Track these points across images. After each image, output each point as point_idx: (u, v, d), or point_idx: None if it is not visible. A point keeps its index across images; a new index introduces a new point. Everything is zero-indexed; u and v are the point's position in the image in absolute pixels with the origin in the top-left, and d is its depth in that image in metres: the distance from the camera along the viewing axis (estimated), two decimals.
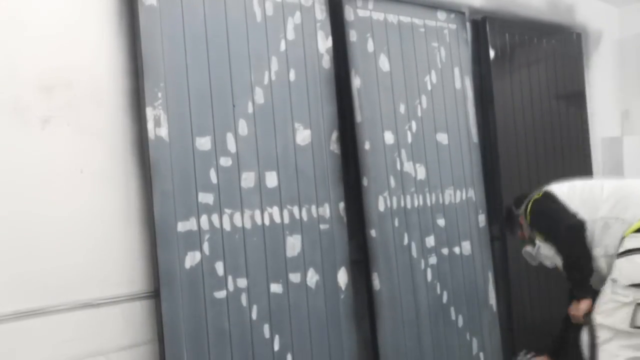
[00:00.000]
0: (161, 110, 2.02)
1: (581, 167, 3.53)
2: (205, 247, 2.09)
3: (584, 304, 2.19)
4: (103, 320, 1.96)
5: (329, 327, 2.37)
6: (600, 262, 2.19)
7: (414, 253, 2.65)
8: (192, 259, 2.05)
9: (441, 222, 2.78)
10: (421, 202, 2.71)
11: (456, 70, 2.92)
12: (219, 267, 2.11)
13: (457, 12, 2.97)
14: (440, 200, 2.78)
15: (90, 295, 1.94)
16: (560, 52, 3.51)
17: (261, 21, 2.29)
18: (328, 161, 2.43)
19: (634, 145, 3.84)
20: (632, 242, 2.08)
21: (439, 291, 2.72)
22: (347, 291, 2.43)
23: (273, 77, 2.30)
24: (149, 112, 1.99)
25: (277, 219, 2.27)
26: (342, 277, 2.43)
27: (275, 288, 2.25)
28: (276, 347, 2.23)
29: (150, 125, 1.99)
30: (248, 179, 2.20)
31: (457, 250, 2.82)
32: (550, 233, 2.29)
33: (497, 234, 3.05)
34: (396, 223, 2.60)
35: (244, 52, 2.23)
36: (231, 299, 2.13)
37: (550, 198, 2.30)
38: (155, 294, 2.03)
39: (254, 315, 2.18)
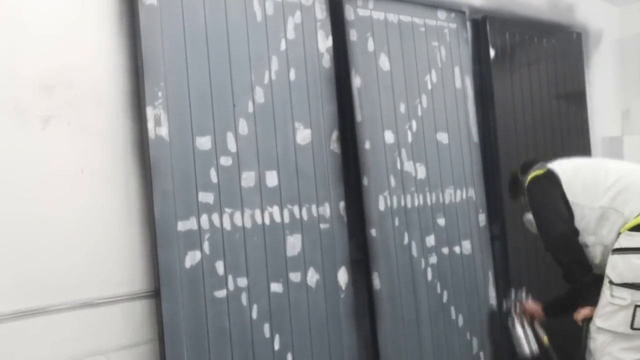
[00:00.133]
0: (161, 109, 2.02)
1: None
2: (206, 246, 2.09)
3: (584, 310, 2.18)
4: (103, 320, 1.97)
5: (329, 327, 2.37)
6: (595, 250, 2.16)
7: (414, 252, 2.65)
8: (192, 258, 2.05)
9: (441, 221, 2.78)
10: (421, 202, 2.71)
11: (456, 70, 2.92)
12: (219, 266, 2.11)
13: (457, 11, 2.97)
14: (441, 200, 2.78)
15: (90, 295, 1.94)
16: (560, 51, 3.50)
17: (261, 21, 2.29)
18: (328, 160, 2.43)
19: (634, 144, 3.83)
20: (627, 241, 2.05)
21: (439, 290, 2.73)
22: (347, 290, 2.44)
23: (273, 77, 2.30)
24: (149, 112, 1.99)
25: (278, 219, 2.27)
26: (343, 276, 2.43)
27: (276, 287, 2.25)
28: (276, 347, 2.23)
29: (150, 124, 1.99)
30: (248, 179, 2.20)
31: (457, 249, 2.82)
32: (540, 230, 2.27)
33: (497, 234, 3.05)
34: (396, 222, 2.60)
35: (244, 52, 2.23)
36: (231, 299, 2.13)
37: (551, 181, 2.24)
38: (155, 294, 2.03)
39: (254, 315, 2.18)
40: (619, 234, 2.09)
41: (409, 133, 2.69)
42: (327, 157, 2.43)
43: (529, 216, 2.36)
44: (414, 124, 2.72)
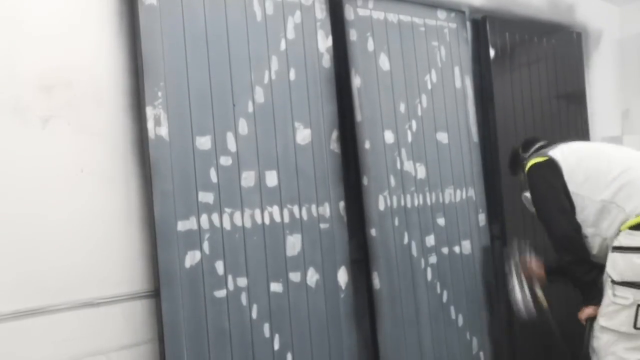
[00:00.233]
0: (161, 109, 2.02)
1: None
2: (205, 246, 2.09)
3: (588, 309, 2.18)
4: (103, 320, 1.97)
5: (329, 326, 2.37)
6: (593, 241, 2.16)
7: (414, 252, 2.65)
8: (192, 258, 2.05)
9: (441, 221, 2.78)
10: (421, 201, 2.71)
11: (456, 70, 2.92)
12: (219, 266, 2.11)
13: (457, 11, 2.97)
14: (441, 200, 2.78)
15: (90, 295, 1.94)
16: (560, 51, 3.50)
17: (261, 20, 2.29)
18: (328, 160, 2.43)
19: (634, 144, 3.83)
20: (628, 240, 2.05)
21: (439, 290, 2.73)
22: (347, 290, 2.44)
23: (273, 77, 2.30)
24: (149, 112, 1.99)
25: (277, 218, 2.27)
26: (342, 276, 2.43)
27: (275, 287, 2.25)
28: (276, 346, 2.23)
29: (150, 124, 1.99)
30: (248, 178, 2.21)
31: (457, 249, 2.82)
32: (541, 222, 2.26)
33: (497, 234, 3.05)
34: (396, 222, 2.60)
35: (244, 52, 2.23)
36: (231, 298, 2.13)
37: (552, 169, 2.22)
38: (155, 293, 2.03)
39: (254, 315, 2.18)
40: (619, 230, 2.08)
41: (408, 133, 2.69)
42: (327, 157, 2.43)
43: (528, 194, 2.34)
44: (413, 123, 2.72)
